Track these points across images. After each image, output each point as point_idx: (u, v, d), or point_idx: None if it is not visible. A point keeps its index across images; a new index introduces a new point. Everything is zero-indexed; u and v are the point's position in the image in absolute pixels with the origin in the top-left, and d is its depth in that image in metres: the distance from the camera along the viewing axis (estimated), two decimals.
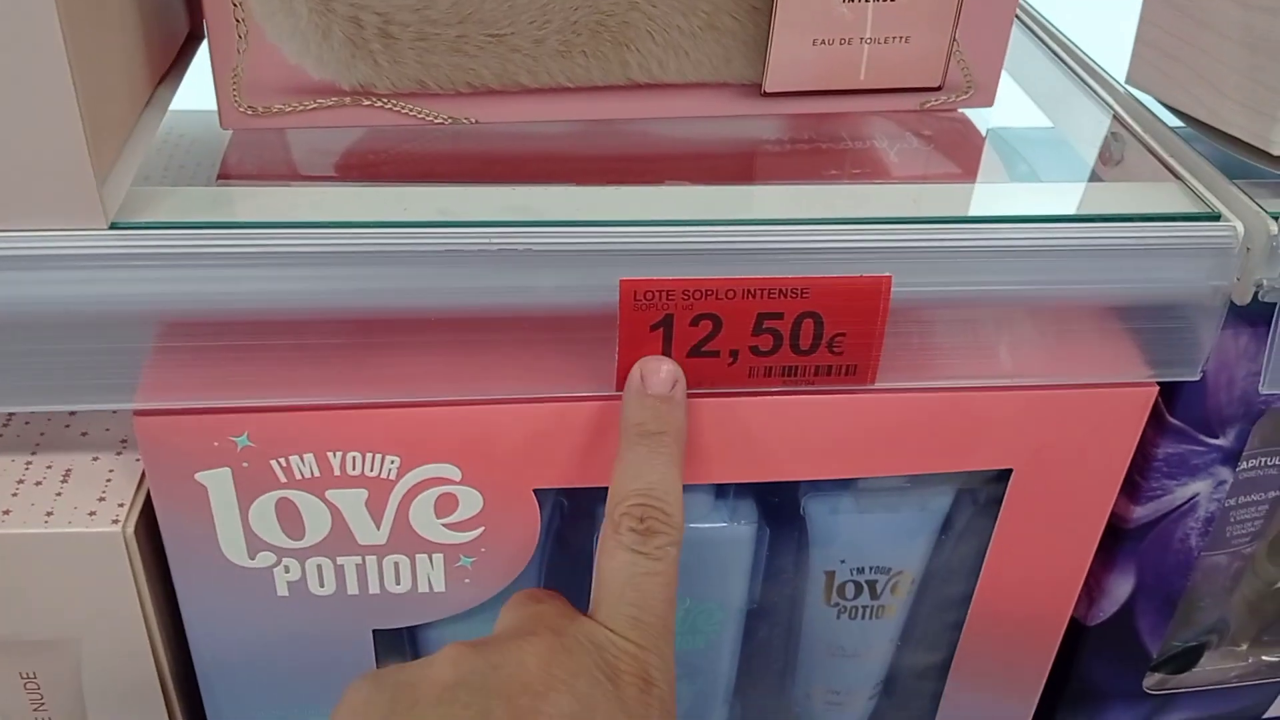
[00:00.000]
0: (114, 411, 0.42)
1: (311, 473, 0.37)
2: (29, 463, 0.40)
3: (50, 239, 0.32)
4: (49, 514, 0.38)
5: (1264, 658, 0.57)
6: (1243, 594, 0.56)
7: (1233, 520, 0.50)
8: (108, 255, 0.33)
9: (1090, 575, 0.49)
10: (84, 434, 0.41)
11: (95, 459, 0.40)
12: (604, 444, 0.38)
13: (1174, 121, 0.43)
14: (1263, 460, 0.49)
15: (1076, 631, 0.51)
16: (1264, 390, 0.38)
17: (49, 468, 0.39)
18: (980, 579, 0.44)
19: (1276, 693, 0.55)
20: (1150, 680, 0.53)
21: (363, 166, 0.38)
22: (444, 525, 0.39)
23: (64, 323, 0.33)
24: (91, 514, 0.38)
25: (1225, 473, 0.45)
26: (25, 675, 0.41)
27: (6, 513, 0.38)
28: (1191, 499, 0.46)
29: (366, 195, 0.36)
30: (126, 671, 0.41)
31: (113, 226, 0.33)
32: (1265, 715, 0.57)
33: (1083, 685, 0.52)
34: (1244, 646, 0.57)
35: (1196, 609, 0.53)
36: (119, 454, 0.40)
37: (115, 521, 0.37)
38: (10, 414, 0.42)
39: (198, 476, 0.37)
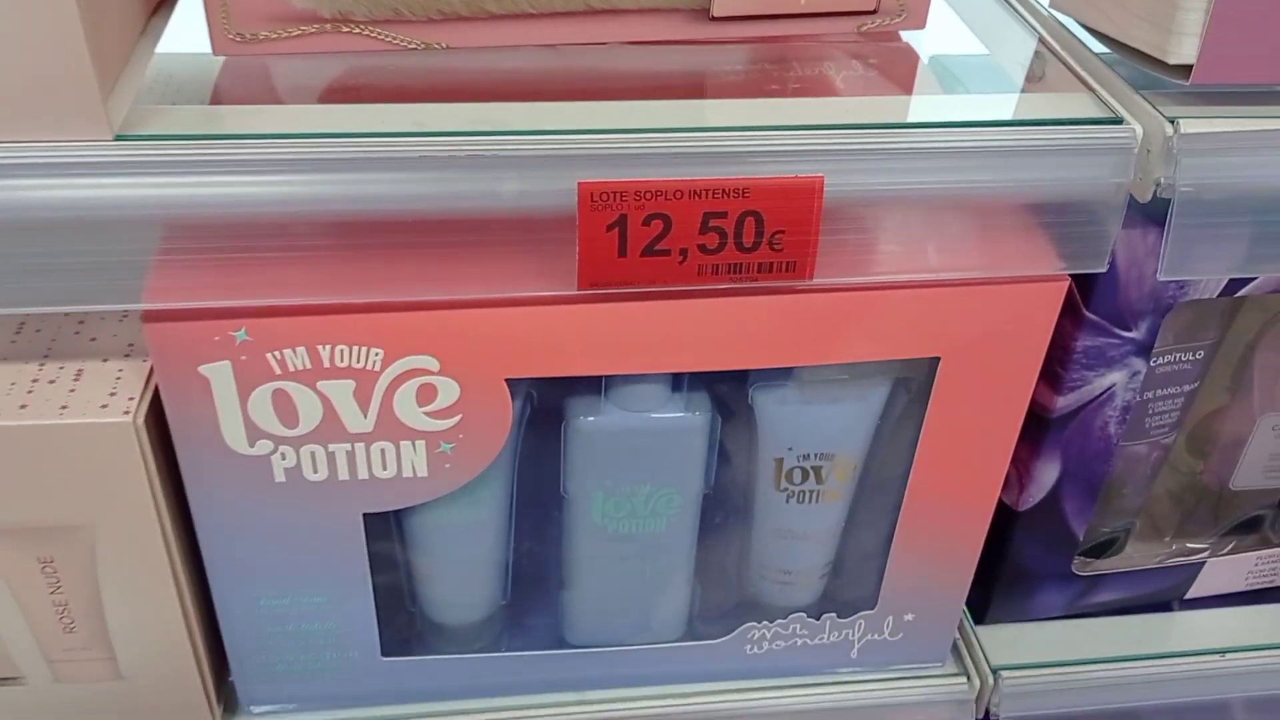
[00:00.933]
0: (121, 319, 0.46)
1: (303, 365, 0.41)
2: (42, 365, 0.43)
3: (61, 149, 0.36)
4: (64, 407, 0.41)
5: (1186, 544, 0.62)
6: (1165, 485, 0.61)
7: (1151, 412, 0.55)
8: (113, 164, 0.36)
9: (1018, 463, 0.54)
10: (93, 339, 0.45)
11: (105, 360, 0.44)
12: (567, 338, 0.42)
13: (1096, 45, 0.47)
14: (1177, 355, 0.53)
15: (1008, 516, 0.56)
16: (1161, 277, 0.43)
17: (61, 369, 0.43)
18: (914, 463, 0.49)
19: (1196, 573, 0.60)
20: (1079, 563, 0.58)
21: (345, 90, 0.42)
22: (425, 413, 0.43)
23: (76, 227, 0.37)
24: (104, 406, 0.41)
25: (1139, 364, 0.50)
26: (43, 560, 0.45)
27: (23, 407, 0.41)
28: (1109, 389, 0.51)
29: (349, 111, 0.39)
30: (137, 556, 0.45)
31: (117, 138, 0.37)
32: (1186, 595, 0.62)
33: (1016, 567, 0.57)
34: (1168, 536, 0.62)
35: (1119, 496, 0.58)
36: (126, 356, 0.44)
37: (125, 413, 0.41)
38: (22, 323, 0.45)
39: (201, 369, 0.41)
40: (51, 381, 0.43)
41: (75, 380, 0.43)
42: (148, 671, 0.49)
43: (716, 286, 0.41)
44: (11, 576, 0.45)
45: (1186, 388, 0.54)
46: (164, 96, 0.40)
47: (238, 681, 0.53)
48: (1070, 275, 0.44)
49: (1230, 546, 0.61)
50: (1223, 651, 0.59)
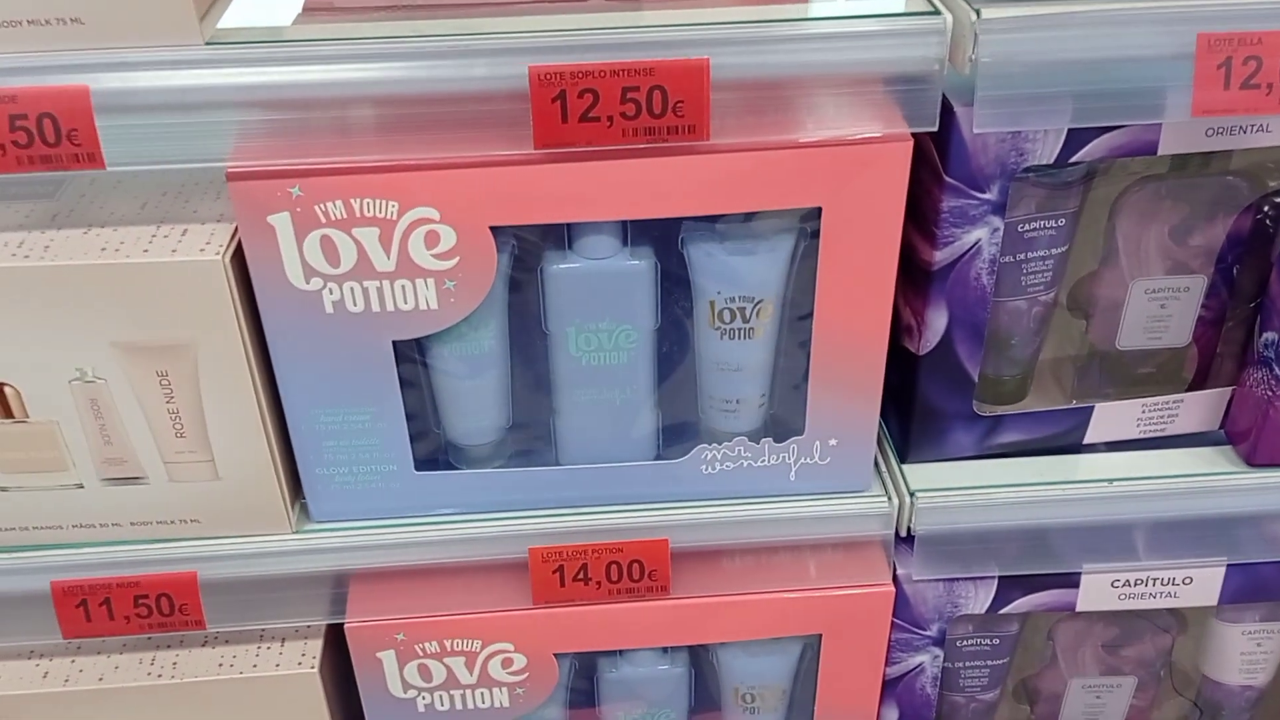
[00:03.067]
0: (216, 198, 0.62)
1: (341, 215, 0.57)
2: (159, 226, 0.60)
3: (167, 51, 0.52)
4: (174, 250, 0.58)
5: (1082, 401, 0.73)
6: (1062, 349, 0.73)
7: (1025, 272, 0.67)
8: (205, 60, 0.53)
9: (915, 313, 0.67)
10: (195, 211, 0.61)
11: (203, 223, 0.60)
12: (533, 192, 0.57)
13: None
14: (1041, 222, 0.65)
15: (913, 361, 0.68)
16: (976, 129, 0.56)
17: (173, 228, 0.59)
18: (816, 302, 0.62)
19: (1089, 416, 0.72)
20: (981, 406, 0.70)
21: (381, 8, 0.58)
22: (431, 255, 0.58)
23: (180, 108, 0.53)
24: (201, 250, 0.58)
25: (997, 221, 0.62)
26: (160, 373, 0.61)
27: (145, 250, 0.58)
28: (975, 244, 0.63)
29: (383, 24, 0.55)
30: (229, 371, 0.61)
31: (207, 44, 0.53)
32: (1085, 441, 0.73)
33: (926, 407, 0.70)
34: (1068, 390, 0.74)
35: (1009, 346, 0.70)
36: (219, 221, 0.60)
37: (217, 254, 0.57)
38: (145, 202, 0.62)
39: (268, 219, 0.57)
40: (165, 236, 0.59)
41: (182, 236, 0.59)
42: (238, 475, 0.65)
43: (637, 146, 0.55)
44: (138, 387, 0.61)
45: (1055, 251, 0.67)
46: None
47: (307, 495, 0.68)
48: (914, 135, 0.57)
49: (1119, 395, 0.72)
50: (1110, 480, 0.70)
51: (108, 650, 0.73)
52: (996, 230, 0.63)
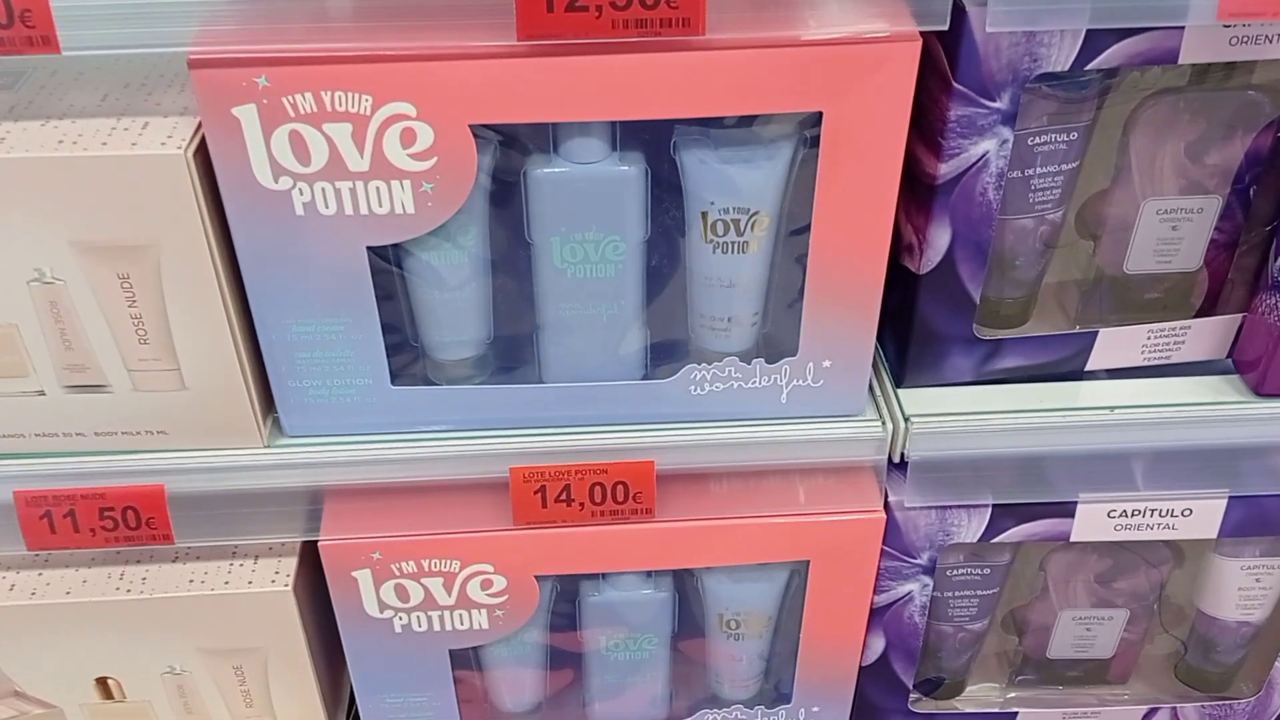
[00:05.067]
0: (180, 90, 0.59)
1: (310, 108, 0.53)
2: (119, 119, 0.56)
3: None
4: (133, 144, 0.54)
5: (1085, 326, 0.71)
6: (1067, 273, 0.70)
7: (1033, 188, 0.64)
8: None
9: (916, 230, 0.64)
10: (158, 104, 0.58)
11: (166, 116, 0.56)
12: (516, 88, 0.53)
13: None
14: (1052, 135, 0.62)
15: (913, 281, 0.66)
16: (989, 28, 0.52)
17: (134, 121, 0.56)
18: (813, 215, 0.59)
19: (1092, 341, 0.69)
20: (982, 329, 0.68)
21: None
22: (408, 155, 0.55)
23: None
24: (162, 144, 0.54)
25: (1007, 132, 0.59)
26: (121, 275, 0.58)
27: (104, 144, 0.54)
28: (983, 156, 0.60)
29: None
30: (193, 275, 0.58)
31: None
32: (1087, 367, 0.71)
33: (924, 329, 0.67)
34: (1072, 315, 0.71)
35: (1013, 267, 0.67)
36: (182, 115, 0.57)
37: (179, 147, 0.54)
38: (106, 94, 0.58)
39: (233, 111, 0.53)
40: (126, 129, 0.56)
41: (143, 129, 0.56)
42: (206, 384, 0.62)
43: (627, 40, 0.52)
44: (98, 290, 0.58)
45: (1065, 166, 0.63)
46: None
47: (280, 409, 0.66)
48: (922, 36, 0.54)
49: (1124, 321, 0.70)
50: (1111, 408, 0.68)
51: (76, 564, 0.71)
52: (1005, 142, 0.60)
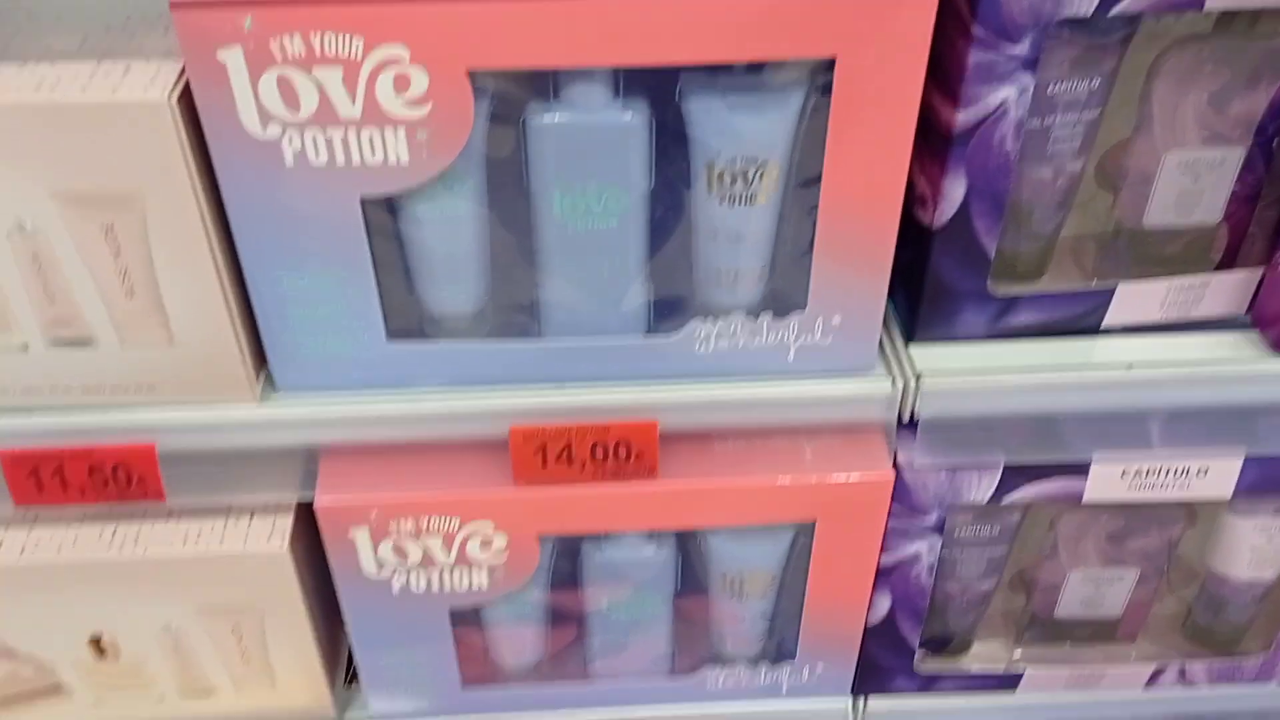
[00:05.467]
0: (164, 32, 0.56)
1: (299, 52, 0.51)
2: (99, 63, 0.54)
3: None
4: (115, 90, 0.52)
5: (1103, 281, 0.69)
6: (1085, 227, 0.68)
7: (1052, 138, 0.61)
8: None
9: (930, 182, 0.62)
10: (140, 46, 0.55)
11: (148, 60, 0.54)
12: (516, 31, 0.51)
13: None
14: (1073, 83, 0.60)
15: (926, 235, 0.63)
16: None
17: (115, 65, 0.54)
18: (825, 165, 0.57)
19: (1109, 297, 0.67)
20: (996, 284, 0.66)
21: None
22: (402, 102, 0.53)
23: None
24: (145, 89, 0.52)
25: (1027, 79, 0.57)
26: (105, 227, 0.56)
27: (83, 90, 0.52)
28: (1002, 104, 0.58)
29: None
30: (180, 227, 0.56)
31: None
32: (1104, 324, 0.69)
33: (937, 284, 0.65)
34: (1089, 269, 0.69)
35: (1029, 221, 0.65)
36: (165, 58, 0.54)
37: (163, 93, 0.52)
38: (85, 36, 0.56)
39: (218, 55, 0.51)
40: (106, 75, 0.53)
41: (125, 74, 0.53)
42: (196, 339, 0.60)
43: None
44: (81, 242, 0.56)
45: (1086, 115, 0.61)
46: None
47: (272, 365, 0.64)
48: None
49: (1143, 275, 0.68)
50: (1129, 365, 0.66)
51: (67, 521, 0.70)
52: (1025, 90, 0.57)
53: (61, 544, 0.68)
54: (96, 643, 0.72)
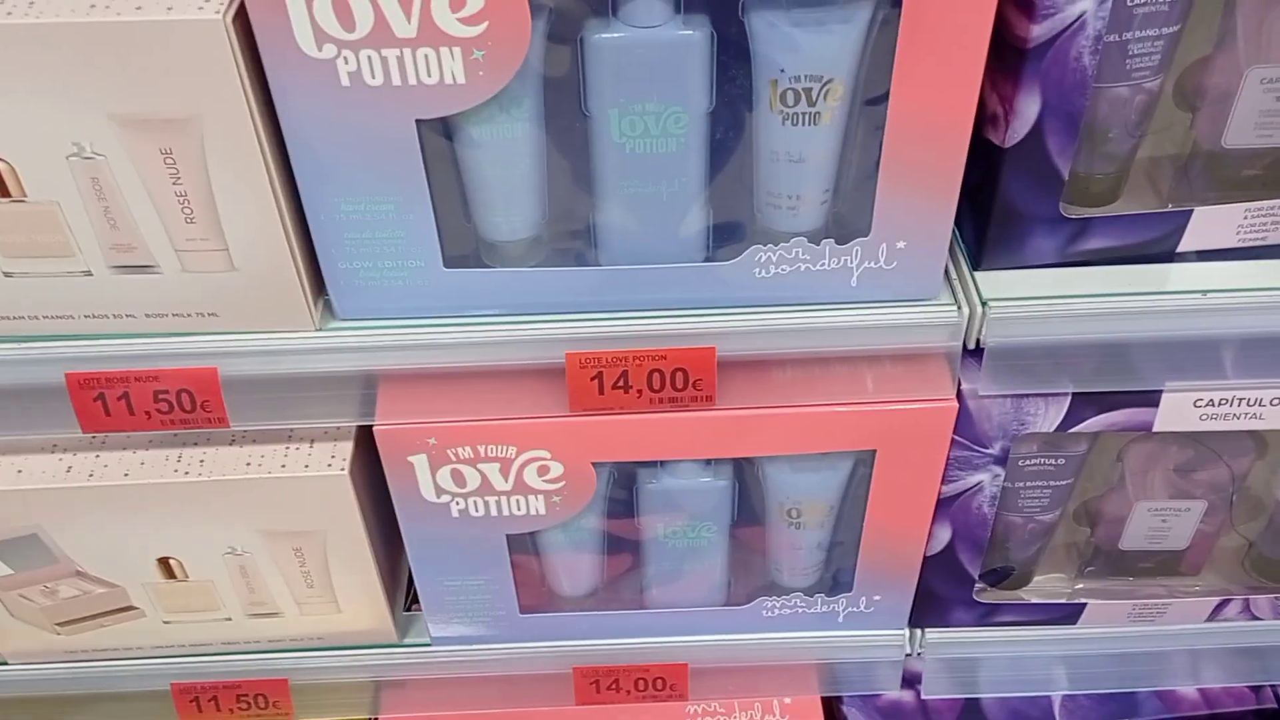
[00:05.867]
0: None
1: None
2: None
3: None
4: (169, 8, 0.51)
5: (1179, 205, 0.66)
6: (1161, 149, 0.66)
7: (1130, 54, 0.59)
8: None
9: (1002, 99, 0.60)
10: None
11: None
12: None
13: None
14: None
15: (996, 155, 0.61)
16: None
17: None
18: (893, 83, 0.55)
19: (1185, 221, 0.65)
20: (1068, 207, 0.64)
21: None
22: (457, 19, 0.52)
23: None
24: (200, 8, 0.51)
25: None
26: (164, 151, 0.56)
27: (139, 8, 0.51)
28: (1079, 17, 0.56)
29: None
30: (238, 150, 0.55)
31: None
32: (1179, 249, 0.66)
33: (1006, 207, 0.63)
34: (1165, 192, 0.67)
35: (1105, 140, 0.62)
36: None
37: (217, 11, 0.51)
38: None
39: None
40: None
41: None
42: (255, 265, 0.60)
43: None
44: (140, 166, 0.56)
45: (1166, 30, 0.58)
46: None
47: (331, 293, 0.64)
48: None
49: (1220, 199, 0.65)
50: (1205, 291, 0.64)
51: (133, 445, 0.71)
52: (1104, 2, 0.55)
53: (129, 468, 0.69)
54: (165, 563, 0.73)
